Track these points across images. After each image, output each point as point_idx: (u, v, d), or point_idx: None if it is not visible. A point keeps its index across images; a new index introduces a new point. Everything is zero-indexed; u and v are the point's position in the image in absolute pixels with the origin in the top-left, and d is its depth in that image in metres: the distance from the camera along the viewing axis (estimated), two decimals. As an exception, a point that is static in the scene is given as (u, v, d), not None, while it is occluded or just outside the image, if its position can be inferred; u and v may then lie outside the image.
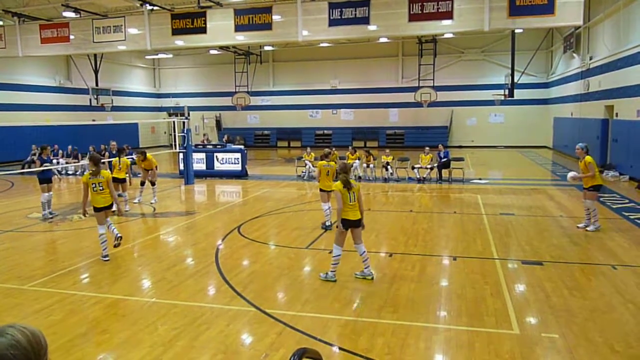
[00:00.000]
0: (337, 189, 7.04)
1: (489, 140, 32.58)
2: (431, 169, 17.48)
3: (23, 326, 2.03)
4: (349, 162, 18.13)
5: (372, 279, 7.15)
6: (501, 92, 26.75)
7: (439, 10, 16.07)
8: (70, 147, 22.17)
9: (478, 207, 12.75)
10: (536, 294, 6.56)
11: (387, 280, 7.16)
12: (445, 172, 17.48)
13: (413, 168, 17.76)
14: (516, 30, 22.82)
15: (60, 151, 21.91)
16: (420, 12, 16.12)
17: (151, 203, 13.57)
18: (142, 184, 13.86)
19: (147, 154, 13.73)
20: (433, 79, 30.77)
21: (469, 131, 33.44)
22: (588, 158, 9.82)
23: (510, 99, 25.72)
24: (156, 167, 13.97)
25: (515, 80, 24.42)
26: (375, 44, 32.53)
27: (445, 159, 17.44)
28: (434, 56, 31.61)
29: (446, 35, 28.82)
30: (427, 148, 18.13)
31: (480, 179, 17.79)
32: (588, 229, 9.94)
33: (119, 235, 8.50)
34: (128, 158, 13.82)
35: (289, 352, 4.86)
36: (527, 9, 15.06)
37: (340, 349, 5.09)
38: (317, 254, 8.65)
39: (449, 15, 16.04)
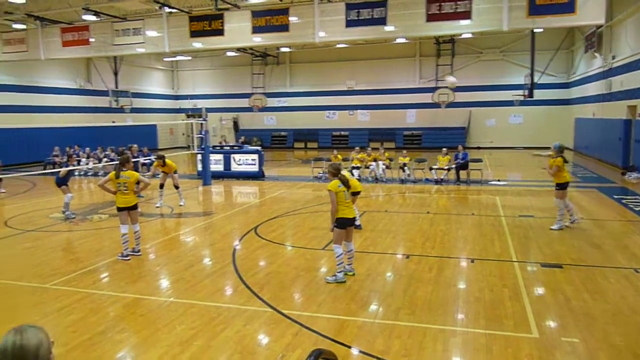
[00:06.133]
0: (332, 189, 7.04)
1: (508, 142, 32.21)
2: (449, 170, 17.35)
3: (24, 334, 2.06)
4: (357, 163, 18.18)
5: (353, 274, 7.38)
6: (521, 92, 26.46)
7: (457, 10, 15.98)
8: (88, 148, 22.53)
9: (496, 209, 12.61)
10: (556, 297, 6.46)
11: (404, 282, 7.12)
12: (463, 174, 17.34)
13: (431, 169, 17.64)
14: (536, 30, 22.55)
15: (81, 152, 22.26)
16: (438, 12, 16.05)
17: (180, 205, 13.56)
18: (161, 186, 13.74)
19: (167, 159, 13.67)
20: (451, 80, 30.63)
21: (487, 132, 33.11)
22: (558, 160, 10.00)
23: (529, 99, 25.45)
24: (175, 171, 13.87)
25: (535, 81, 24.16)
26: (392, 45, 32.42)
27: (463, 160, 17.29)
28: (452, 56, 31.45)
29: (464, 36, 28.58)
30: (445, 149, 18.00)
31: (498, 181, 17.60)
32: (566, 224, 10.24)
33: (138, 250, 8.70)
34: (145, 159, 14.02)
35: (305, 353, 4.86)
36: (547, 8, 14.88)
37: (357, 350, 5.08)
38: (333, 255, 8.62)
39: (467, 15, 15.93)
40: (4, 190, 16.27)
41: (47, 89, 28.20)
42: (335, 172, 7.24)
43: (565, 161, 10.19)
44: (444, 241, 9.53)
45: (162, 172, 13.81)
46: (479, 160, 18.21)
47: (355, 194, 7.89)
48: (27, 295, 6.82)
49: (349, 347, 5.14)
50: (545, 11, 14.94)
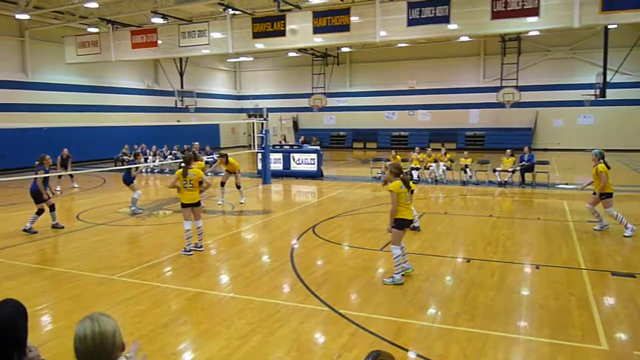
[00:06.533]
0: (394, 189, 6.97)
1: (577, 143, 30.67)
2: (513, 172, 16.77)
3: (100, 322, 2.15)
4: (417, 163, 17.90)
5: (412, 270, 7.44)
6: (592, 92, 25.20)
7: (524, 7, 15.38)
8: (155, 146, 23.46)
9: (564, 214, 12.07)
10: (627, 308, 6.10)
11: (464, 286, 6.94)
12: (528, 176, 16.71)
13: (494, 171, 17.11)
14: (609, 26, 21.37)
15: (148, 150, 23.20)
16: (503, 9, 15.52)
17: (241, 203, 13.81)
18: (222, 184, 13.97)
19: (230, 158, 13.84)
20: (517, 79, 29.58)
21: (555, 133, 31.70)
22: (601, 166, 9.72)
23: (601, 99, 24.17)
24: (239, 170, 14.03)
25: (608, 80, 22.91)
26: (455, 43, 31.68)
27: (529, 162, 16.65)
28: (518, 55, 30.35)
29: (531, 33, 27.46)
30: (509, 150, 17.41)
31: (566, 184, 16.80)
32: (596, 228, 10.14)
33: (200, 245, 8.93)
34: (208, 158, 14.40)
35: (361, 354, 4.83)
36: (621, 3, 14.05)
37: (414, 354, 5.00)
38: (391, 256, 8.54)
39: (534, 12, 15.30)
40: (76, 186, 17.21)
41: (118, 89, 29.62)
42: (397, 172, 7.17)
43: (608, 167, 9.81)
44: (507, 246, 9.22)
45: (226, 170, 14.03)
46: (546, 163, 17.46)
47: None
48: (95, 286, 7.17)
49: (407, 350, 5.07)
50: (620, 6, 14.11)
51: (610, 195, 9.83)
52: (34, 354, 2.40)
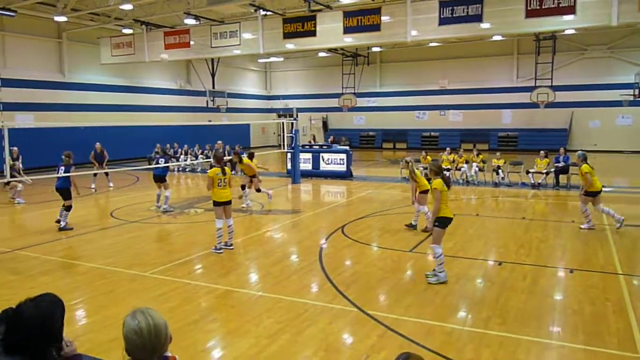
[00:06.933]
0: (438, 187, 6.94)
1: (615, 145, 29.74)
2: (547, 174, 16.39)
3: (151, 315, 2.20)
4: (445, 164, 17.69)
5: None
6: (630, 92, 24.45)
7: (560, 5, 15.03)
8: (186, 146, 23.79)
9: (600, 217, 11.73)
10: (668, 315, 5.89)
11: (495, 289, 6.82)
12: (562, 178, 16.30)
13: (527, 173, 16.76)
14: (650, 24, 20.72)
15: (180, 149, 23.56)
16: (538, 7, 15.19)
17: (268, 200, 13.50)
18: (243, 187, 13.35)
19: (245, 159, 13.13)
20: (551, 78, 28.89)
21: (591, 134, 30.81)
22: (584, 167, 10.37)
23: (641, 99, 23.43)
24: (254, 175, 13.05)
25: (648, 79, 22.18)
26: (488, 42, 31.14)
27: (564, 164, 16.24)
28: (553, 54, 29.65)
29: (567, 32, 26.74)
30: (543, 151, 17.02)
31: (603, 187, 16.31)
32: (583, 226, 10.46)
33: (230, 244, 8.99)
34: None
35: (390, 356, 4.79)
36: (663, -1, 13.59)
37: (444, 357, 4.93)
38: (420, 258, 8.47)
39: (570, 10, 14.94)
40: (111, 185, 17.58)
41: (150, 89, 30.18)
42: (438, 171, 7.19)
43: (591, 167, 10.46)
44: (540, 249, 9.01)
45: (241, 170, 13.50)
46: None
47: (424, 192, 9.25)
48: (128, 282, 7.31)
49: (437, 353, 4.99)
50: (661, 3, 13.66)
51: (596, 193, 10.38)
52: (70, 349, 2.45)
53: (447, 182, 7.14)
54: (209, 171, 9.05)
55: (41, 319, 2.23)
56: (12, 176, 13.78)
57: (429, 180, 8.69)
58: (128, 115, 27.30)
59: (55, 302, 2.35)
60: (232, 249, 8.98)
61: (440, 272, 7.00)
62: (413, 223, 10.54)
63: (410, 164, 10.47)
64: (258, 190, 13.28)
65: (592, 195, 10.38)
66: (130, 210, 13.23)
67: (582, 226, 10.49)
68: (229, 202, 8.90)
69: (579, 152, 11.03)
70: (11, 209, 13.87)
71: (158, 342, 2.19)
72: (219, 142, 20.95)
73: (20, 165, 15.51)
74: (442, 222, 7.02)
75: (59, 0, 21.42)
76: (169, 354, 2.29)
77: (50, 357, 2.26)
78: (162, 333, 2.21)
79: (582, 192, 10.58)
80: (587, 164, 10.48)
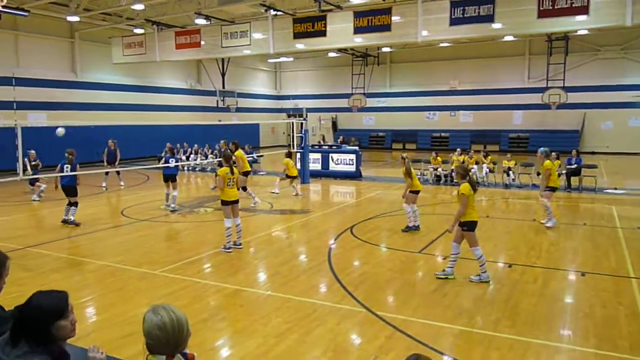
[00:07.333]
0: (465, 192, 7.00)
1: (628, 147, 29.41)
2: (559, 175, 16.21)
3: (173, 310, 2.22)
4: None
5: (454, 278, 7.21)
6: (643, 93, 24.18)
7: (573, 5, 14.88)
8: (196, 145, 23.86)
9: (612, 220, 11.62)
10: (682, 319, 5.81)
11: (505, 292, 6.77)
12: (574, 180, 16.15)
13: (538, 174, 16.60)
14: (664, 25, 20.44)
15: (190, 149, 23.64)
16: (551, 7, 15.05)
17: (253, 203, 13.31)
18: (244, 189, 13.04)
19: (238, 151, 12.93)
20: (563, 79, 28.65)
21: (603, 136, 30.52)
22: (546, 163, 10.80)
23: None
24: (243, 173, 12.70)
25: (662, 80, 21.91)
26: (499, 43, 30.96)
27: (576, 165, 16.08)
28: (565, 54, 29.41)
29: (580, 32, 26.52)
30: (554, 153, 16.84)
31: (615, 189, 16.17)
32: (547, 224, 10.66)
33: (239, 243, 8.98)
34: (248, 157, 14.40)
35: (398, 357, 4.77)
36: (678, -1, 13.42)
37: (452, 359, 4.90)
38: (429, 259, 8.44)
39: (584, 10, 14.78)
40: (122, 184, 17.67)
41: (161, 89, 30.34)
42: (465, 174, 7.23)
43: (552, 164, 11.01)
44: (551, 251, 8.94)
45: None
46: (594, 167, 16.83)
47: (415, 192, 9.95)
48: (137, 280, 7.35)
49: (445, 354, 4.97)
50: (676, 3, 13.49)
51: (553, 189, 10.99)
52: (100, 357, 2.43)
53: (474, 185, 7.18)
54: (218, 171, 9.08)
55: (45, 308, 2.22)
56: (35, 179, 14.09)
57: (456, 184, 8.73)
58: (139, 115, 27.46)
59: (59, 297, 2.34)
60: (241, 248, 9.00)
61: (482, 272, 7.07)
62: (409, 225, 10.37)
63: (406, 160, 10.52)
64: (244, 189, 12.93)
65: (550, 190, 10.93)
66: (140, 209, 13.30)
67: (547, 224, 10.67)
68: (236, 201, 8.93)
69: (541, 148, 11.26)
70: (24, 206, 13.99)
71: (181, 336, 2.21)
72: (222, 141, 21.01)
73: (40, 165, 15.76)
74: (470, 225, 7.09)
75: (72, 0, 21.61)
76: (187, 351, 2.30)
77: (52, 346, 2.23)
78: (184, 327, 2.23)
79: (544, 189, 10.93)
80: (549, 160, 10.99)
